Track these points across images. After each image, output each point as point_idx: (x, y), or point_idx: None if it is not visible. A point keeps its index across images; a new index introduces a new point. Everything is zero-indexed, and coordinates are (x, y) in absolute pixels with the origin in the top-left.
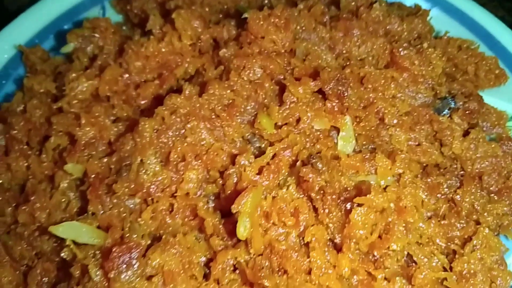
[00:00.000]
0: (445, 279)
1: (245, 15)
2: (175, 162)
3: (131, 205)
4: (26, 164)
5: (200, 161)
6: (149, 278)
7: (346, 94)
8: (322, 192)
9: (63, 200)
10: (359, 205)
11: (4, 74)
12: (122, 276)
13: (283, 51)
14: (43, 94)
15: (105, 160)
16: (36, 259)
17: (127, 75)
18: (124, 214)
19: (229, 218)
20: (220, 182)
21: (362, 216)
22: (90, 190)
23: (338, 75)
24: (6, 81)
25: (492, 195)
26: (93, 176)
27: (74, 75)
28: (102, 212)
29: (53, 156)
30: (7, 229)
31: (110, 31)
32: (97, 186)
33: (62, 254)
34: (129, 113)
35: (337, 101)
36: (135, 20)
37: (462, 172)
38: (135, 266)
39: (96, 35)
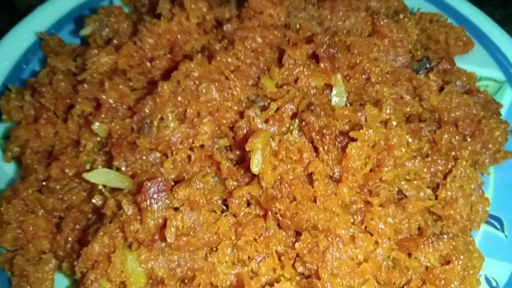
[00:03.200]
0: (432, 207)
1: None
2: (191, 118)
3: (152, 159)
4: (53, 130)
5: (212, 117)
6: (176, 209)
7: (336, 56)
8: (321, 133)
9: (89, 159)
10: (354, 140)
11: (25, 59)
12: (154, 206)
13: (279, 24)
14: (64, 72)
15: (127, 121)
16: (67, 211)
17: (141, 51)
18: (146, 168)
19: (240, 165)
20: (231, 135)
21: (356, 149)
22: (114, 147)
23: (329, 40)
24: (27, 66)
25: (467, 138)
26: (116, 136)
27: (95, 51)
28: (125, 166)
29: (78, 122)
30: (39, 186)
31: (124, 16)
32: (121, 143)
33: (93, 200)
34: (145, 84)
35: (329, 62)
36: (143, 9)
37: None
38: (164, 197)
39: (112, 19)
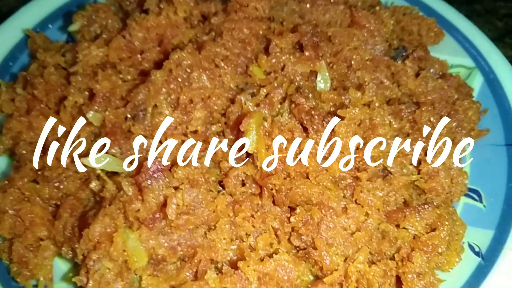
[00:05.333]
0: (415, 181)
1: None
2: (184, 105)
3: (147, 146)
4: (46, 122)
5: (204, 104)
6: (176, 188)
7: (320, 45)
8: (310, 114)
9: (84, 149)
10: (341, 119)
11: (11, 57)
12: (154, 185)
13: (264, 16)
14: (54, 66)
15: (121, 110)
16: (63, 199)
17: (131, 45)
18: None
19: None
20: (223, 121)
21: (344, 127)
22: (109, 135)
23: (312, 29)
24: (14, 63)
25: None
26: (110, 125)
27: (86, 44)
28: (120, 154)
29: (71, 113)
30: (34, 176)
31: (112, 12)
32: (115, 131)
33: (91, 185)
34: (135, 76)
35: (313, 50)
36: (129, 7)
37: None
38: (164, 176)
39: (100, 15)
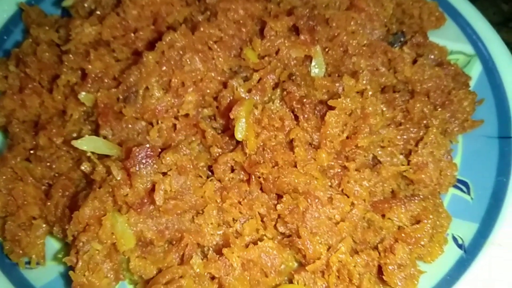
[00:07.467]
0: (404, 171)
1: None
2: (175, 88)
3: (138, 128)
4: (39, 100)
5: (196, 87)
6: (164, 174)
7: (316, 29)
8: (301, 102)
9: (75, 128)
10: (332, 109)
11: (6, 30)
12: (143, 171)
13: None
14: (48, 43)
15: (113, 91)
16: (55, 179)
17: (125, 22)
18: (133, 136)
19: (224, 133)
20: (215, 105)
21: (334, 117)
22: (101, 116)
23: (309, 12)
24: (8, 37)
25: (438, 108)
26: (102, 105)
27: (79, 21)
28: (112, 135)
29: (64, 92)
30: (27, 155)
31: None
32: (107, 112)
33: (82, 167)
34: (129, 55)
35: (308, 34)
36: None
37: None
38: (152, 162)
39: None
